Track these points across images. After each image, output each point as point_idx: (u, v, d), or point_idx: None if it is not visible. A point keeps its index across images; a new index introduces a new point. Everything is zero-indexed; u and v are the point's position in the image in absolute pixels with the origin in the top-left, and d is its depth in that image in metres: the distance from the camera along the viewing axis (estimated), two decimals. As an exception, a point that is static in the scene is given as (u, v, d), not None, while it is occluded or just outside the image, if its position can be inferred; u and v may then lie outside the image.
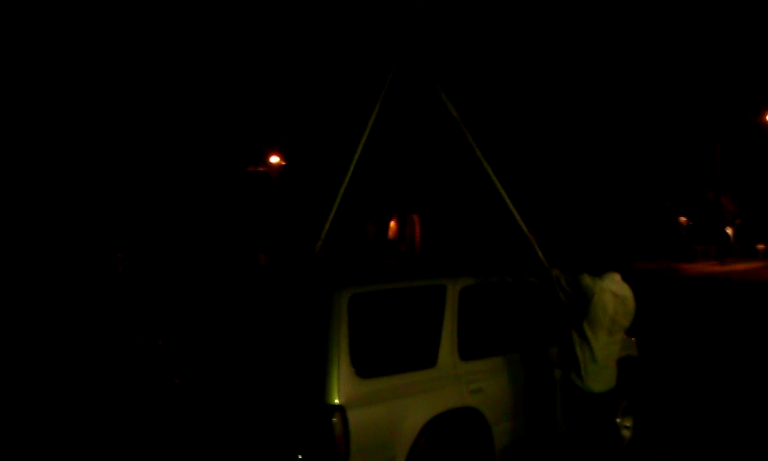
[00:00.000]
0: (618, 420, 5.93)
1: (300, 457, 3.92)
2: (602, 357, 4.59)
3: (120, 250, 7.46)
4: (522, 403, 5.07)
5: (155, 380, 5.55)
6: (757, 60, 32.27)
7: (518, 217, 5.65)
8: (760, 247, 41.11)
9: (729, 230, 42.61)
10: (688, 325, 13.22)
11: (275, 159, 28.17)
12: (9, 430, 5.94)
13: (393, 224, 27.99)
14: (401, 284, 4.73)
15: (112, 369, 6.41)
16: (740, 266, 31.36)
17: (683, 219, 41.24)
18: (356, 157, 6.69)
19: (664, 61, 30.30)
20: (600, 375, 4.59)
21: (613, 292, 4.61)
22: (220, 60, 22.37)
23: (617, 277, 4.73)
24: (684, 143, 36.50)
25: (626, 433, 6.06)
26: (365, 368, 4.10)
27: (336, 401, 3.89)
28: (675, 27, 29.28)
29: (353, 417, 3.91)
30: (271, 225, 20.11)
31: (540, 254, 5.29)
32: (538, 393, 5.21)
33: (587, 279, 4.62)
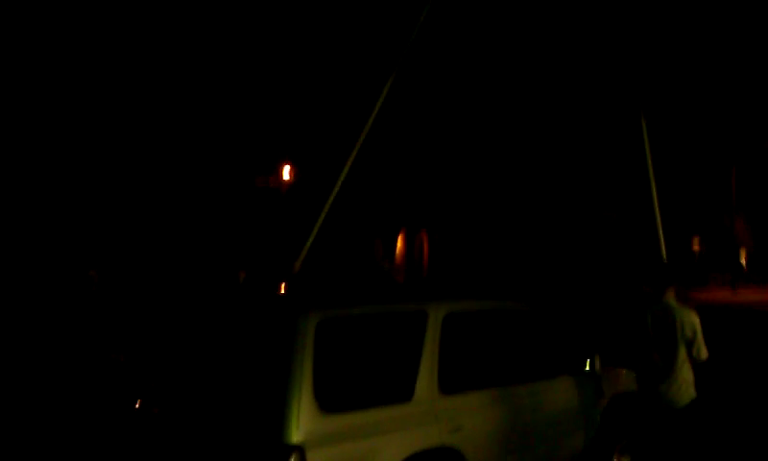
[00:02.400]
0: (615, 458, 5.64)
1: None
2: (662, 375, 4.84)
3: (93, 267, 7.16)
4: (516, 441, 4.70)
5: (114, 403, 5.18)
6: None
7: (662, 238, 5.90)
8: (774, 274, 40.16)
9: (742, 256, 41.76)
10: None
11: (287, 173, 27.44)
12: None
13: (399, 241, 27.42)
14: (377, 309, 4.36)
15: (81, 387, 6.07)
16: (753, 295, 30.60)
17: (696, 247, 40.48)
18: (345, 171, 6.41)
19: (680, 83, 29.79)
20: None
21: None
22: (232, 67, 22.06)
23: (669, 294, 4.94)
24: (699, 167, 35.89)
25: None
26: (330, 402, 3.73)
27: (294, 441, 3.52)
28: (691, 47, 28.83)
29: (314, 458, 3.54)
30: (262, 241, 19.70)
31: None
32: (532, 430, 4.84)
33: None
